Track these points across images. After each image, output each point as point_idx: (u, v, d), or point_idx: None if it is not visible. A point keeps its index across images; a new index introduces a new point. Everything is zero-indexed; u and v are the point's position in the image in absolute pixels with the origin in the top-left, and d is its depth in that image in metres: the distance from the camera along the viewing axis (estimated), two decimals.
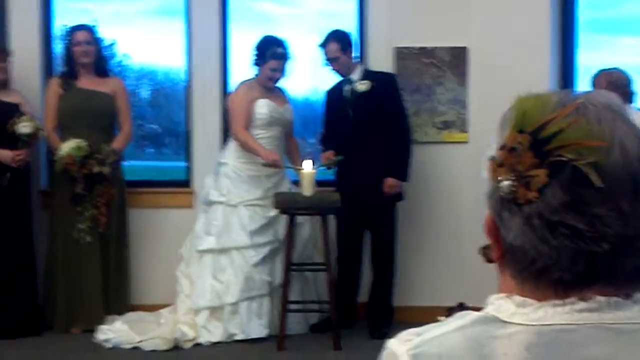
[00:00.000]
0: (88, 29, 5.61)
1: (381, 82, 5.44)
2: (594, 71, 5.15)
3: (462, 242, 5.64)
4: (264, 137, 5.45)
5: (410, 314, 5.52)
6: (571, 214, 0.93)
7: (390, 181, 5.37)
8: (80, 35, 5.55)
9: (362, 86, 5.41)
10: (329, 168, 5.47)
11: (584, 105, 0.96)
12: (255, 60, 5.48)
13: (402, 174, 5.44)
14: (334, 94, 5.59)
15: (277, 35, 5.55)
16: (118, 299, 5.57)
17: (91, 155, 5.36)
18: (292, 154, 5.66)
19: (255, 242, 5.35)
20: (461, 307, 5.23)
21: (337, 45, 5.42)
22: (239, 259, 5.33)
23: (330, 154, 5.39)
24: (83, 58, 5.55)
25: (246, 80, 5.57)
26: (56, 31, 5.86)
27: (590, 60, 5.93)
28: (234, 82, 5.82)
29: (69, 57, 5.58)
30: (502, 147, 0.98)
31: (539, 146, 0.94)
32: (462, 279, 5.69)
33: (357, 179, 5.38)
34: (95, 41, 5.63)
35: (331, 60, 5.47)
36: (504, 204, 0.98)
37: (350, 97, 5.46)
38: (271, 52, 5.40)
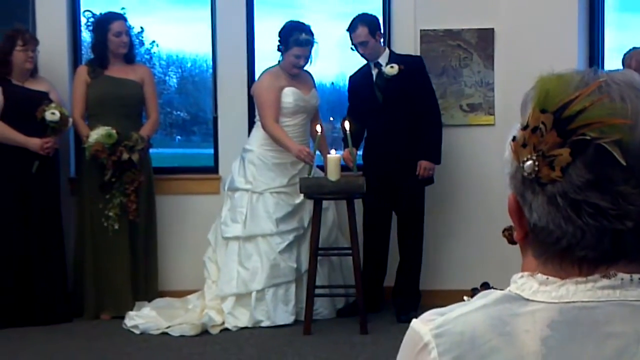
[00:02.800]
0: (123, 19, 5.62)
1: (409, 65, 5.41)
2: (623, 51, 5.09)
3: (489, 225, 5.62)
4: (289, 125, 5.44)
5: (437, 297, 5.51)
6: (595, 193, 0.93)
7: (424, 164, 5.36)
8: (120, 26, 5.54)
9: (392, 70, 5.37)
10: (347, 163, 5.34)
11: (607, 83, 0.96)
12: (279, 46, 5.46)
13: (436, 156, 5.42)
14: (360, 78, 5.57)
15: (301, 20, 5.52)
16: (146, 285, 5.60)
17: (120, 143, 5.38)
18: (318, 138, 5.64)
19: (280, 229, 5.36)
20: (485, 286, 5.22)
21: (366, 29, 5.39)
22: (265, 246, 5.35)
23: (347, 153, 5.28)
24: (121, 49, 5.56)
25: (270, 68, 5.54)
26: (82, 19, 5.88)
27: (619, 40, 5.85)
28: (260, 68, 5.81)
29: (103, 45, 5.56)
30: (525, 127, 0.98)
31: (562, 125, 0.94)
32: (489, 262, 5.67)
33: (387, 162, 5.36)
34: (128, 30, 5.66)
35: (360, 45, 5.43)
36: (527, 184, 0.98)
37: (379, 81, 5.44)
38: (294, 38, 5.36)
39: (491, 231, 5.57)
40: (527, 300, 0.98)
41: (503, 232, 1.12)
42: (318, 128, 5.28)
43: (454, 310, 1.01)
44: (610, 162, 0.92)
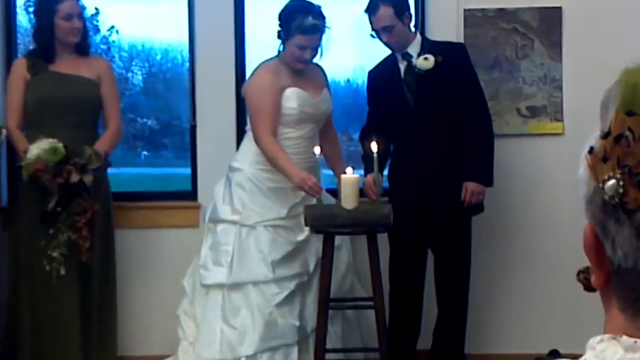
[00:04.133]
0: None
1: (449, 56, 5.43)
2: None
3: (557, 267, 5.63)
4: (292, 138, 5.42)
5: None
6: None
7: (471, 186, 5.37)
8: (70, 7, 5.57)
9: (426, 62, 5.40)
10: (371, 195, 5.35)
11: None
12: (279, 33, 5.46)
13: (486, 177, 5.44)
14: (383, 74, 5.60)
15: (307, 0, 5.51)
16: (102, 350, 5.61)
17: (68, 160, 5.40)
18: (330, 154, 5.61)
19: (278, 275, 5.34)
20: (554, 354, 5.19)
21: (391, 10, 5.42)
22: (257, 297, 5.33)
23: (371, 179, 5.27)
24: (72, 36, 5.59)
25: (267, 61, 5.53)
26: None
27: None
28: (253, 61, 5.83)
29: (47, 32, 5.58)
30: (606, 135, 0.98)
31: None
32: (558, 317, 5.67)
33: (421, 184, 5.38)
34: (82, 12, 5.69)
35: (383, 30, 5.45)
36: (609, 211, 0.98)
37: (409, 77, 5.46)
38: (297, 24, 5.35)
39: (560, 275, 5.57)
40: None
41: (578, 274, 1.12)
42: (317, 150, 5.21)
43: None
44: None
